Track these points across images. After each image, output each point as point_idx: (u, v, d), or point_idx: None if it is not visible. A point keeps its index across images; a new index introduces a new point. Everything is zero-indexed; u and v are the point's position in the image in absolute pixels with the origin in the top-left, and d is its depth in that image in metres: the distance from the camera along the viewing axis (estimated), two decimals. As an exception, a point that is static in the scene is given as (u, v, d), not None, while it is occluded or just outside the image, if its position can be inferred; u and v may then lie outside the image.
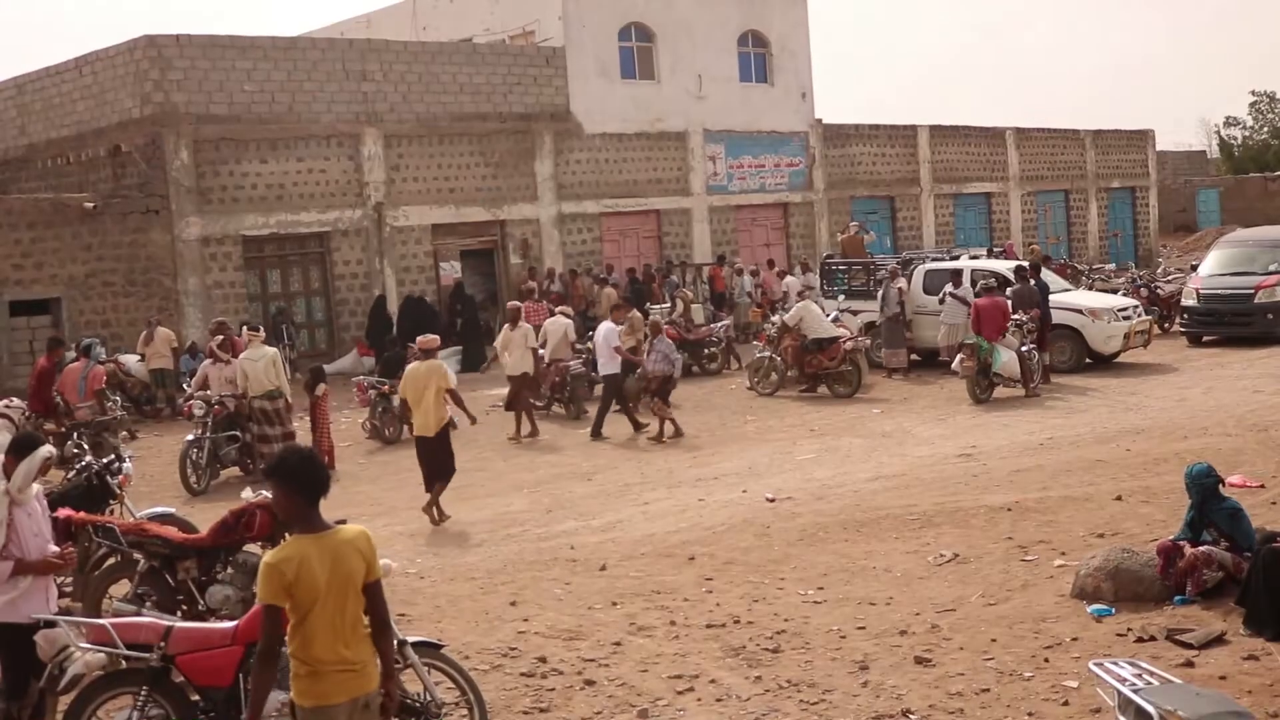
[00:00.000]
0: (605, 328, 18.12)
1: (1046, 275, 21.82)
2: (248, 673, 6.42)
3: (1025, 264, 22.25)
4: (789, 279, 29.70)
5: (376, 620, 5.14)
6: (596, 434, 17.50)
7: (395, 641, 5.50)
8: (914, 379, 21.49)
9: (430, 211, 28.91)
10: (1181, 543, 8.61)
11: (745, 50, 35.58)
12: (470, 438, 18.16)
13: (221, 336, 16.94)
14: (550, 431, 18.41)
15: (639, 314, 21.19)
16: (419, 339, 14.01)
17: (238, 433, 15.55)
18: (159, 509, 10.64)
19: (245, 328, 17.70)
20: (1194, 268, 26.55)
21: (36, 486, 6.81)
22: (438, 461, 12.97)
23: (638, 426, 17.49)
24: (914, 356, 22.59)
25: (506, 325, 18.42)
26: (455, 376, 22.39)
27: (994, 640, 7.98)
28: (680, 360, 17.89)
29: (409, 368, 13.54)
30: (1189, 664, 7.30)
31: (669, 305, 25.83)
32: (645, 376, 17.50)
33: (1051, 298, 21.32)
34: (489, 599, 9.70)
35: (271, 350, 15.74)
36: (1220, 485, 8.76)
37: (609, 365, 17.78)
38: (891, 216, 39.33)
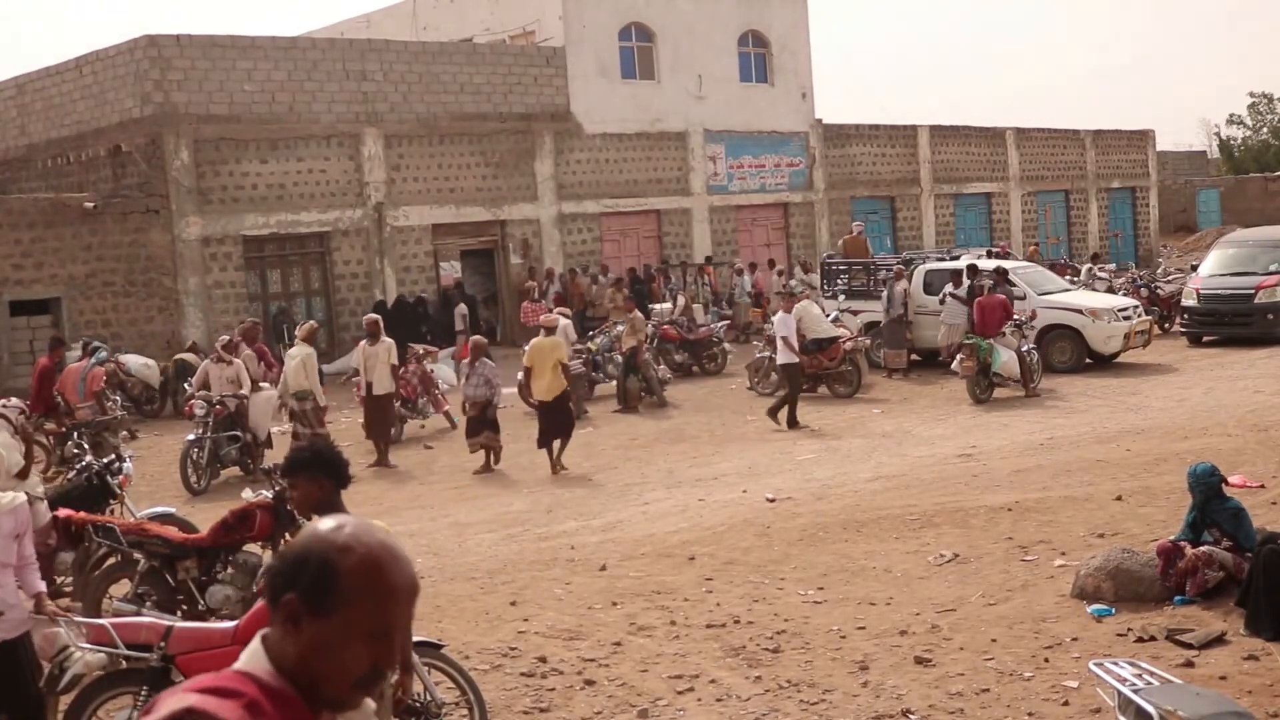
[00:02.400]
0: (780, 318, 18.01)
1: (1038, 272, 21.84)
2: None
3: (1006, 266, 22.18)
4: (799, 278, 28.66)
5: None
6: (793, 423, 17.35)
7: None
8: (914, 379, 21.49)
9: (430, 211, 28.91)
10: (1182, 543, 8.61)
11: (745, 50, 35.57)
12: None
13: (226, 337, 16.91)
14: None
15: (640, 315, 21.23)
16: (542, 319, 16.47)
17: (238, 432, 15.55)
18: (159, 509, 10.66)
19: (300, 325, 17.56)
20: (1194, 268, 26.56)
21: (11, 496, 6.32)
22: (558, 421, 15.06)
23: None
24: (914, 356, 22.60)
25: (365, 340, 16.54)
26: (456, 377, 22.70)
27: (994, 640, 7.97)
28: (499, 386, 15.81)
29: (535, 341, 15.48)
30: (1189, 664, 7.30)
31: (670, 305, 25.85)
32: (468, 401, 15.59)
33: (1051, 298, 21.37)
34: (489, 599, 9.70)
35: (305, 350, 15.74)
36: (1223, 485, 8.76)
37: (785, 355, 17.67)
38: (892, 216, 39.32)
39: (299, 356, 15.63)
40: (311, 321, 17.37)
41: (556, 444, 15.20)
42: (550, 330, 15.58)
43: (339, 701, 2.27)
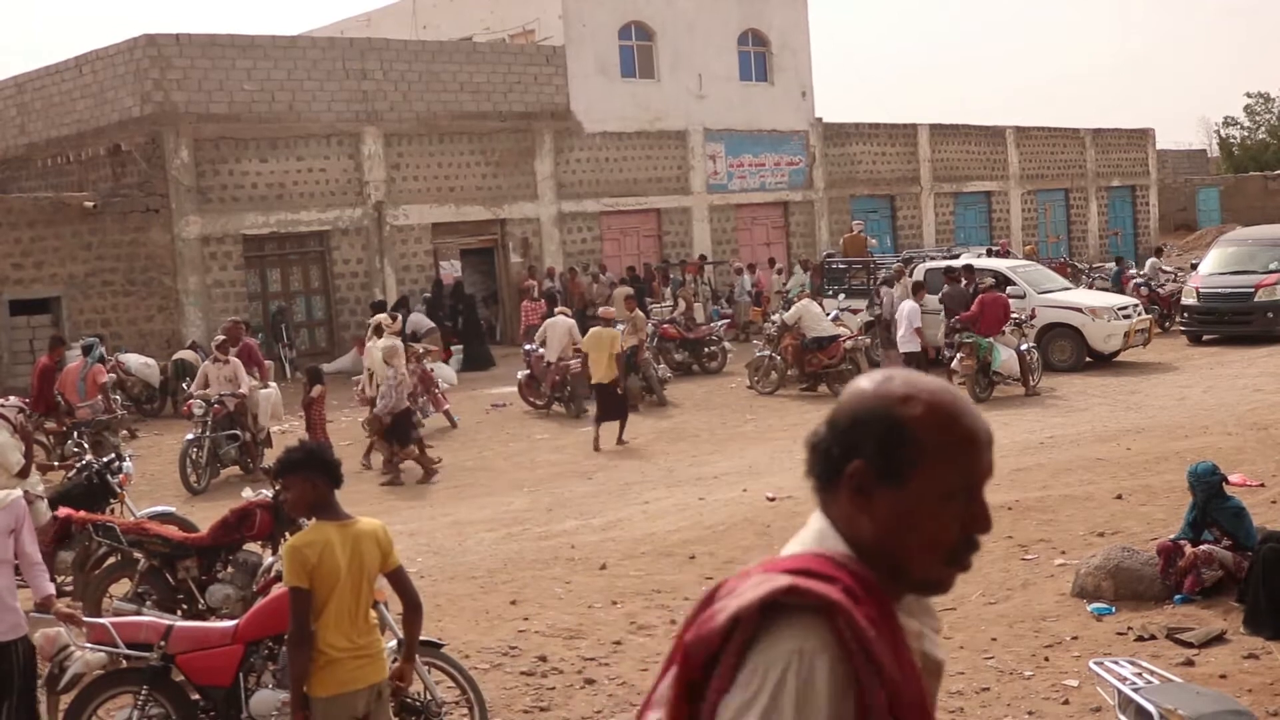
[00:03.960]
0: (908, 306, 18.26)
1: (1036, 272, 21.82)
2: (248, 672, 6.44)
3: (956, 265, 22.05)
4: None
5: (409, 603, 5.37)
6: None
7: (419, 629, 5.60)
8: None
9: (430, 210, 28.90)
10: (1182, 542, 8.61)
11: (745, 49, 35.55)
12: (470, 437, 18.18)
13: (224, 336, 16.89)
14: (550, 430, 18.41)
15: (642, 314, 21.22)
16: (600, 310, 18.52)
17: (237, 431, 15.54)
18: (159, 508, 10.66)
19: (386, 315, 18.14)
20: (1194, 266, 26.55)
21: (4, 494, 6.26)
22: (614, 403, 16.58)
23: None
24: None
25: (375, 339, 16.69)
26: (456, 376, 22.74)
27: (994, 639, 7.97)
28: (403, 393, 15.31)
29: (594, 330, 17.00)
30: (1189, 663, 7.30)
31: (670, 304, 25.82)
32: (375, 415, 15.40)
33: (1051, 296, 21.32)
34: (489, 598, 9.70)
35: (390, 341, 16.42)
36: (1224, 484, 8.75)
37: (909, 343, 17.96)
38: (892, 215, 39.31)
39: (382, 347, 16.25)
40: (398, 315, 18.13)
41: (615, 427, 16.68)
42: (608, 322, 17.24)
43: (931, 583, 1.98)
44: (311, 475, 5.14)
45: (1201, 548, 8.46)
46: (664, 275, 30.55)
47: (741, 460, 15.11)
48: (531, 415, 19.75)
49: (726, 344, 23.81)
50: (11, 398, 11.14)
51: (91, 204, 24.54)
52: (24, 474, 10.14)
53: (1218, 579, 8.36)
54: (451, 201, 29.24)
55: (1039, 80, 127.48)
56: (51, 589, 6.39)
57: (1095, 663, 6.28)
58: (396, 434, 15.18)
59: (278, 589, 6.50)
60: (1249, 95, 68.41)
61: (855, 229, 28.09)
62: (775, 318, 22.20)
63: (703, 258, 32.31)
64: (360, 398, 18.65)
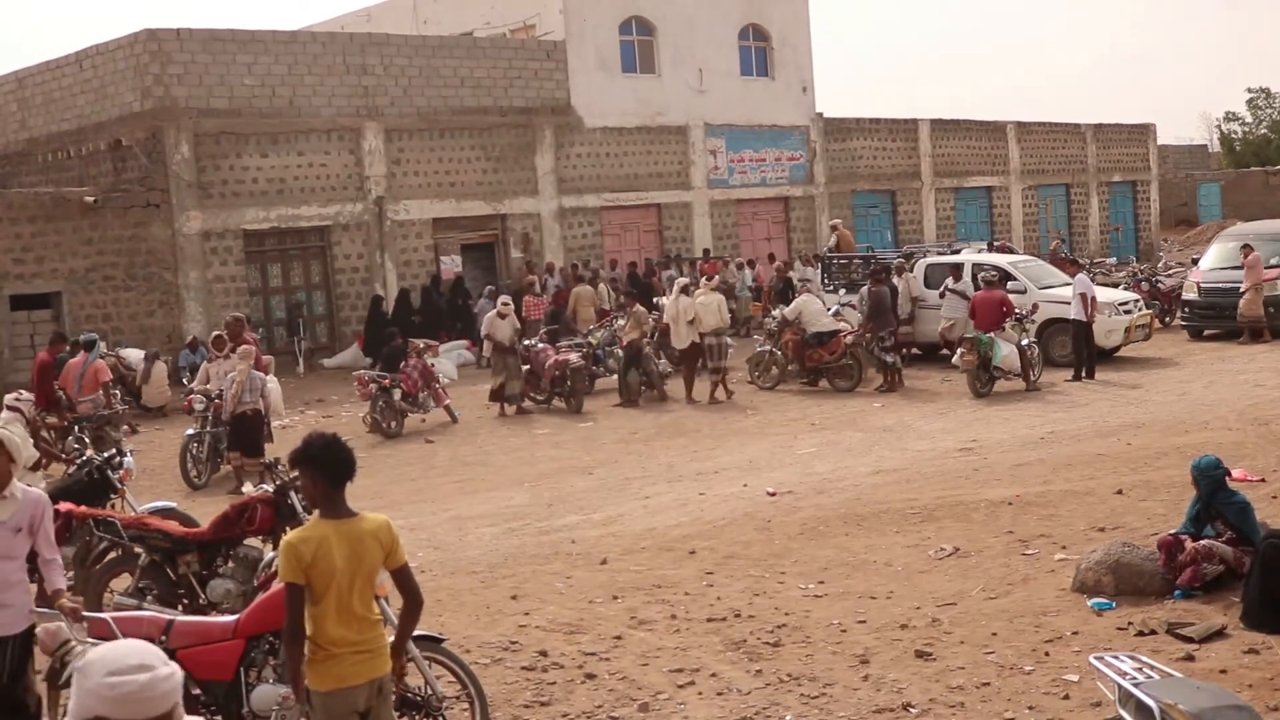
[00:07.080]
0: (1080, 279, 19.77)
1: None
2: (249, 667, 6.44)
3: (884, 266, 21.96)
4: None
5: (410, 601, 5.35)
6: (1089, 374, 19.31)
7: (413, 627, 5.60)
8: (915, 373, 21.45)
9: (431, 205, 28.90)
10: (1183, 536, 8.60)
11: (746, 44, 35.55)
12: (470, 432, 18.18)
13: (222, 332, 16.83)
14: (551, 425, 18.41)
15: (643, 309, 21.20)
16: (710, 280, 21.07)
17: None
18: (160, 503, 10.65)
19: (704, 279, 21.44)
20: (1195, 261, 26.52)
21: (29, 489, 6.29)
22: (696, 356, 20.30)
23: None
24: (915, 350, 22.58)
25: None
26: (456, 370, 22.77)
27: (994, 634, 7.98)
28: (268, 390, 14.97)
29: (701, 297, 19.64)
30: (1189, 658, 7.30)
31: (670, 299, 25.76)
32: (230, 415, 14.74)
33: (1052, 291, 21.24)
34: (490, 593, 9.70)
35: (718, 296, 19.61)
36: (1227, 478, 8.74)
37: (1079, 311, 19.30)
38: (892, 210, 39.30)
39: (714, 302, 19.28)
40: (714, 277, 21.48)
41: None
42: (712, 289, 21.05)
43: None
44: (312, 471, 5.15)
45: (1202, 543, 8.45)
46: (659, 268, 30.54)
47: (741, 455, 15.11)
48: (532, 410, 19.75)
49: (727, 339, 23.75)
50: (23, 392, 11.17)
51: (92, 199, 24.53)
52: (37, 467, 10.20)
53: (1218, 574, 8.36)
54: (452, 196, 29.24)
55: (1040, 75, 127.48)
56: (64, 584, 6.42)
57: (1095, 658, 6.28)
58: (245, 446, 14.54)
59: (278, 584, 6.51)
60: (1250, 90, 68.34)
61: (841, 225, 28.27)
62: (776, 313, 22.17)
63: (706, 251, 32.30)
64: (362, 391, 18.63)
